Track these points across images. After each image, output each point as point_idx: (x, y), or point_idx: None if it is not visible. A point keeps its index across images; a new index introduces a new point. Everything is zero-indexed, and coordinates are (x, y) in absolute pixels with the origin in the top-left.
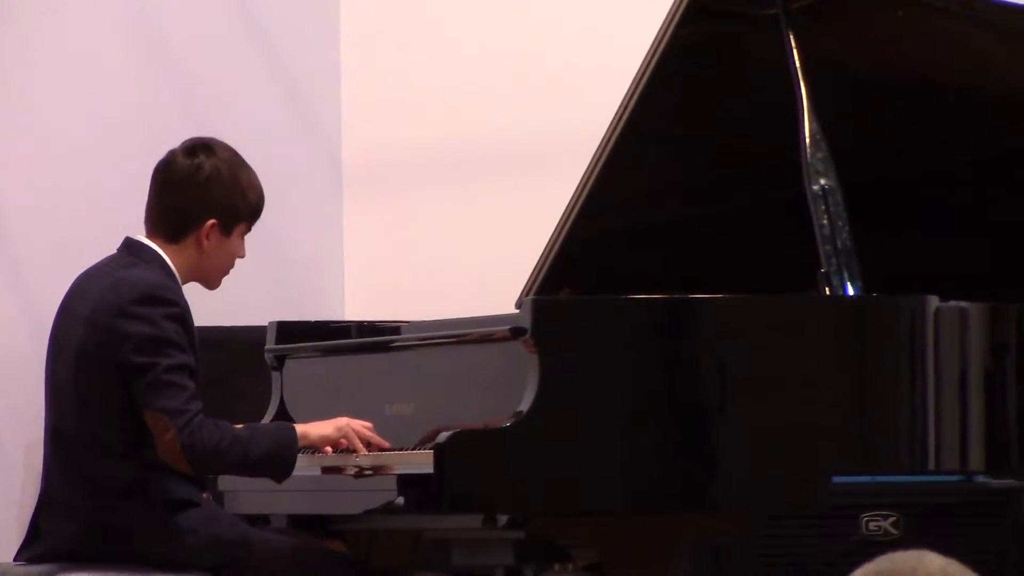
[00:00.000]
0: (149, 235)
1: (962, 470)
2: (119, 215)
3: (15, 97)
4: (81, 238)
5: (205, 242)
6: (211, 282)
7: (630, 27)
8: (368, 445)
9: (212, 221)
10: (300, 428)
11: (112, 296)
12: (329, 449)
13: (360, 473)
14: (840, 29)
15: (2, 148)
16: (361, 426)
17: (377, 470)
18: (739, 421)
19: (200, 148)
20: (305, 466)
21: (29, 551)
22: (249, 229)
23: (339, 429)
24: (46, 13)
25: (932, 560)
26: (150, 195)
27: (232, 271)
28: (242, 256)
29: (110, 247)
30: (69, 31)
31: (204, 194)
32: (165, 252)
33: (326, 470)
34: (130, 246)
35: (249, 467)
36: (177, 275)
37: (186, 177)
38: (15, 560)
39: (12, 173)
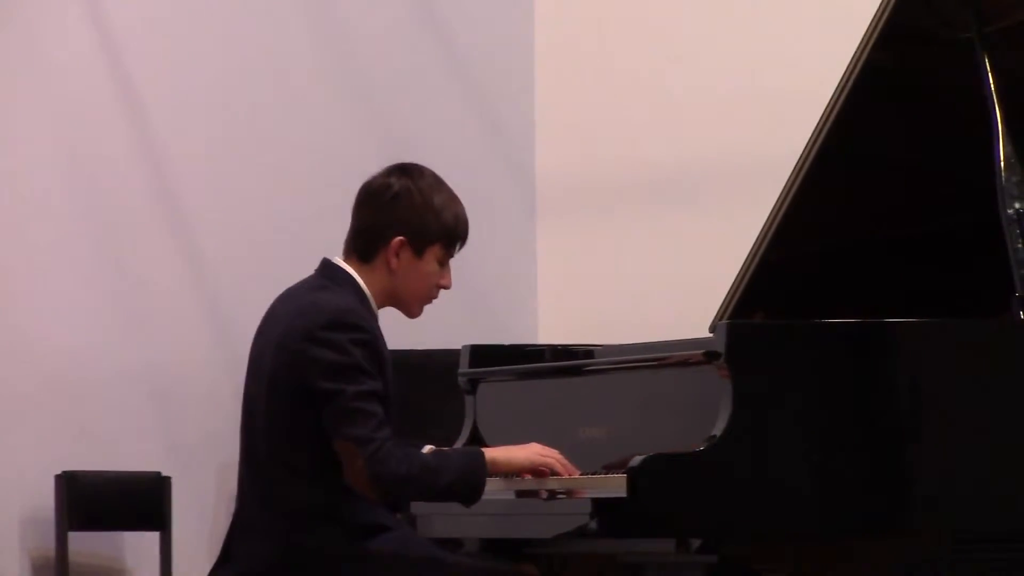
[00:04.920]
0: (345, 257)
1: None
2: (315, 238)
3: (230, 128)
4: (278, 261)
5: (394, 260)
6: (408, 307)
7: (825, 52)
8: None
9: (400, 239)
10: (489, 454)
11: (301, 321)
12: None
13: (552, 495)
14: None
15: (206, 172)
16: (551, 456)
17: (570, 494)
18: (934, 444)
19: (396, 169)
20: (498, 490)
21: (220, 573)
22: (448, 254)
23: (532, 462)
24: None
25: None
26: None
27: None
28: (446, 285)
29: (307, 270)
30: (271, 61)
31: (391, 212)
32: (359, 274)
33: (520, 494)
34: (325, 268)
35: (437, 495)
36: (371, 298)
37: (375, 195)
38: None
39: (215, 197)
